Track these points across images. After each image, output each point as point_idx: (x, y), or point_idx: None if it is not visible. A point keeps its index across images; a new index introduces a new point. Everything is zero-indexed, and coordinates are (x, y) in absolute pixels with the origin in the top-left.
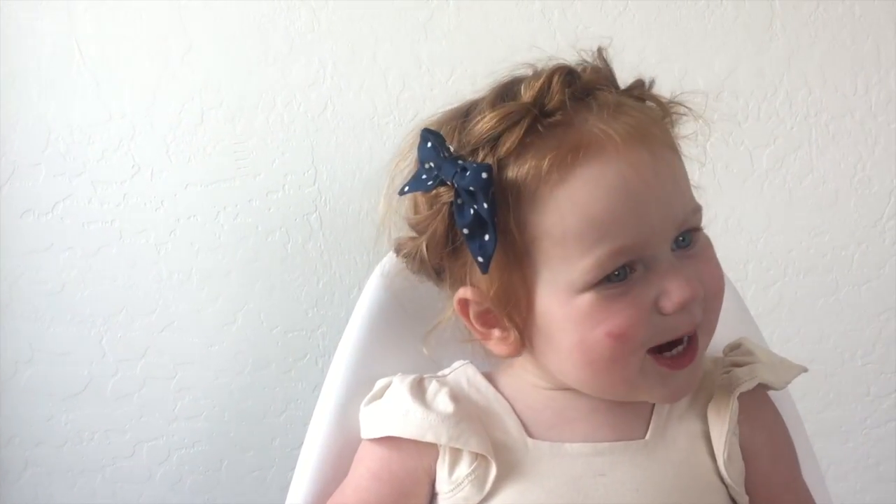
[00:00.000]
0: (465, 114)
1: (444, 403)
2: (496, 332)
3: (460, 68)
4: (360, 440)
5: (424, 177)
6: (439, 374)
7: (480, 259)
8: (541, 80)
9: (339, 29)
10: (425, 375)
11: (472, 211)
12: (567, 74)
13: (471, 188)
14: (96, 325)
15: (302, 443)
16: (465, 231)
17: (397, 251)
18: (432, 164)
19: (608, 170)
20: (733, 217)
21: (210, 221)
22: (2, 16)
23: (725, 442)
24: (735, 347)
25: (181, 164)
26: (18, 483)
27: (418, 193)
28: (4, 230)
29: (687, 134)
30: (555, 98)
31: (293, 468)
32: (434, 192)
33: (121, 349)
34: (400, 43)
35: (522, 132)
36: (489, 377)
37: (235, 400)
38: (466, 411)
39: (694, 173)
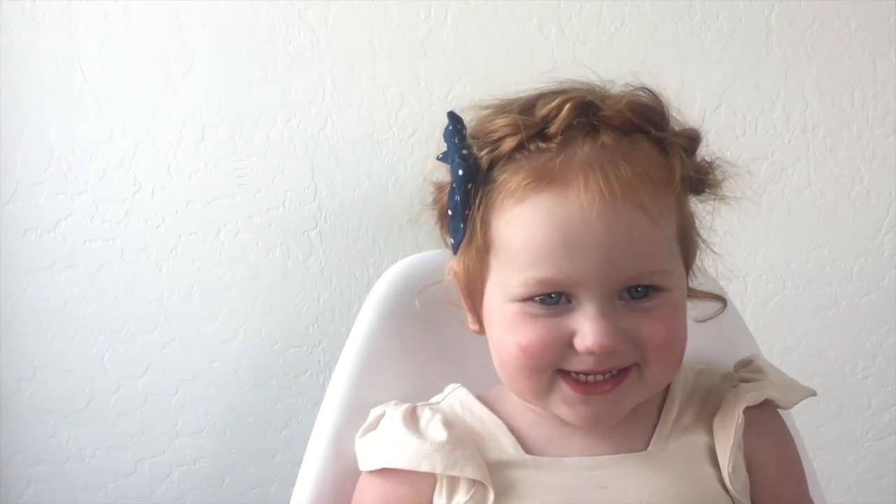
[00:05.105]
0: (504, 108)
1: (437, 431)
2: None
3: (458, 85)
4: (356, 464)
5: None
6: (432, 400)
7: (451, 241)
8: (553, 104)
9: (338, 46)
10: (418, 403)
11: (456, 198)
12: (580, 106)
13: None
14: (98, 343)
15: (303, 459)
16: (449, 212)
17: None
18: (446, 145)
19: (561, 207)
20: (732, 230)
21: (211, 238)
22: (4, 35)
23: (730, 454)
24: (746, 364)
25: (182, 182)
26: (21, 500)
27: None
28: (7, 248)
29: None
30: (557, 125)
31: (294, 484)
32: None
33: (122, 366)
34: (399, 60)
35: (515, 145)
36: (483, 398)
37: (237, 416)
38: (461, 437)
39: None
